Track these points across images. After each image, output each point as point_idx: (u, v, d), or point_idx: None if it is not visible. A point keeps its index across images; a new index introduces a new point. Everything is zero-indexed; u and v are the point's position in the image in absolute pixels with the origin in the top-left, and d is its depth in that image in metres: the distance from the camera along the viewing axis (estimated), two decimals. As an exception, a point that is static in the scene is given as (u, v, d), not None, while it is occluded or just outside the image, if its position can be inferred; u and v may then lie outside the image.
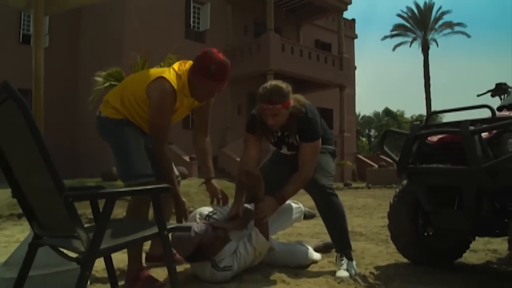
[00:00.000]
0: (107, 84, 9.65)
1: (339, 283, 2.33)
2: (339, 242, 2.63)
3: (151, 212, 1.98)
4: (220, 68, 2.29)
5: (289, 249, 2.76)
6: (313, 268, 2.66)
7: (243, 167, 2.58)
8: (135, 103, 2.31)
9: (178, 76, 2.32)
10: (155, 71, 2.36)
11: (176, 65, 2.41)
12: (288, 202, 2.72)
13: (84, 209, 4.93)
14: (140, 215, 2.31)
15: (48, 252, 2.01)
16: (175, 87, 2.27)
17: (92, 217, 1.80)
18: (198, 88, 2.35)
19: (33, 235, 1.63)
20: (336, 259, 2.63)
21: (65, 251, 1.59)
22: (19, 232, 4.41)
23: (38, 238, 1.62)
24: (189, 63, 2.41)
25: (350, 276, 2.41)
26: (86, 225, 1.42)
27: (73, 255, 1.46)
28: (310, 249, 2.83)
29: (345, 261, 2.52)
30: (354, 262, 2.57)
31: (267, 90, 2.44)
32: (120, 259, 2.74)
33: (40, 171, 1.34)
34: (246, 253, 2.39)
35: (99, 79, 9.68)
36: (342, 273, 2.43)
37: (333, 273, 2.48)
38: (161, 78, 2.26)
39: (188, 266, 2.68)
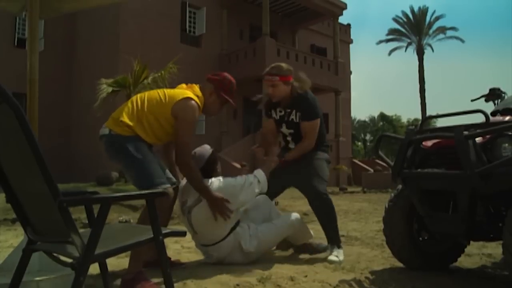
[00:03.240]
0: (111, 90, 9.62)
1: (334, 287, 2.33)
2: (333, 237, 3.09)
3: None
4: (234, 87, 2.81)
5: (269, 229, 2.96)
6: (308, 273, 2.66)
7: (262, 136, 3.24)
8: (156, 123, 2.45)
9: (196, 95, 2.59)
10: (177, 92, 2.55)
11: (184, 87, 2.66)
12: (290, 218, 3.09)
13: (78, 214, 4.92)
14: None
15: (42, 257, 2.01)
16: (199, 104, 2.55)
17: (87, 222, 1.80)
18: (216, 103, 2.74)
19: (27, 240, 1.62)
20: (328, 247, 3.11)
21: (59, 256, 1.58)
22: (13, 237, 4.38)
23: (32, 243, 1.61)
24: (196, 86, 2.69)
25: (339, 260, 2.89)
26: (80, 230, 1.41)
27: (67, 260, 1.45)
28: (293, 218, 3.07)
29: (335, 249, 3.04)
30: (342, 250, 3.06)
31: (270, 66, 3.12)
32: (115, 264, 2.73)
33: (34, 175, 1.33)
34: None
35: (103, 85, 9.66)
36: (333, 257, 2.92)
37: (329, 278, 2.49)
38: (189, 98, 2.49)
39: (182, 270, 2.67)
